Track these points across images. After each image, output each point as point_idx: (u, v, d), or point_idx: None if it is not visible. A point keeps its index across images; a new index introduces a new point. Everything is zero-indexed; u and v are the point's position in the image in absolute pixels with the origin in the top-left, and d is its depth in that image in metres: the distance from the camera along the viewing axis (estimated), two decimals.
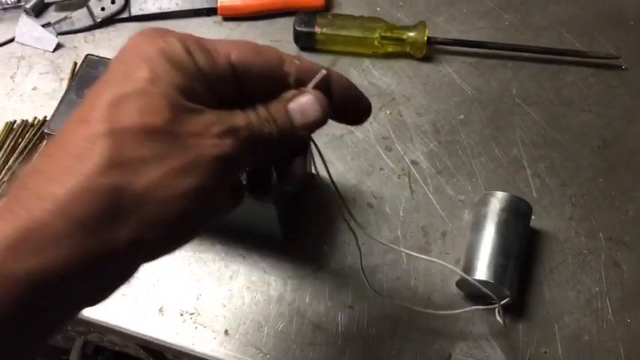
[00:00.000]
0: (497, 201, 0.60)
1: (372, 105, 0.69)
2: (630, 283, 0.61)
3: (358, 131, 0.71)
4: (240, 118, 0.32)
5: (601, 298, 0.61)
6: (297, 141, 0.36)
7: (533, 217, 0.64)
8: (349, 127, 0.71)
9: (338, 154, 0.69)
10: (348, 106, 0.39)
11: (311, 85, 0.36)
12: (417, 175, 0.68)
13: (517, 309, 0.60)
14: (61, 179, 0.27)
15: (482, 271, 0.57)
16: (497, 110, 0.72)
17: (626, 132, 0.70)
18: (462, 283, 0.60)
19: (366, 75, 0.75)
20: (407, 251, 0.54)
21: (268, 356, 0.59)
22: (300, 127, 0.35)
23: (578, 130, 0.70)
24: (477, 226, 0.60)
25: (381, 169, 0.68)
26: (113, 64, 0.31)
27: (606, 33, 0.76)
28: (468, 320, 0.59)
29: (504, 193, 0.60)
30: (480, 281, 0.57)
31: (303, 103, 0.35)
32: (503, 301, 0.57)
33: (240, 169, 0.34)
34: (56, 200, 0.27)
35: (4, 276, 0.26)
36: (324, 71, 0.36)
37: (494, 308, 0.57)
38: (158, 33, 0.31)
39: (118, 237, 0.28)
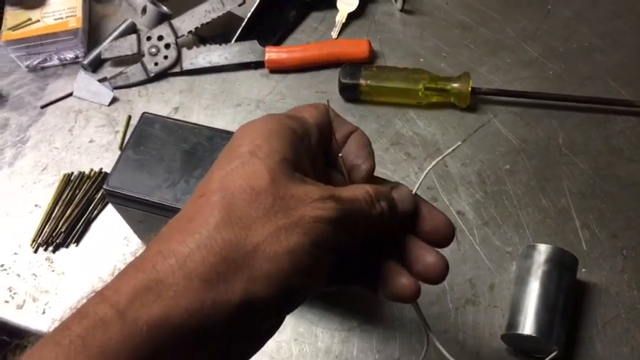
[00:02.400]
0: (539, 254, 0.60)
1: (417, 155, 0.69)
2: None
3: (403, 181, 0.71)
4: (345, 191, 0.34)
5: None
6: (395, 222, 0.37)
7: (583, 269, 0.64)
8: (394, 177, 0.72)
9: None
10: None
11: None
12: (463, 226, 0.68)
13: None
14: (181, 239, 0.30)
15: (525, 325, 0.57)
16: (543, 160, 0.72)
17: None
18: (508, 338, 0.59)
19: (410, 125, 0.76)
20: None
21: None
22: (401, 213, 0.37)
23: (627, 180, 0.69)
24: (521, 280, 0.60)
25: None
26: (222, 152, 0.35)
27: None
28: None
29: (547, 245, 0.60)
30: (524, 336, 0.56)
31: (403, 193, 0.38)
32: (550, 356, 0.56)
33: (341, 244, 0.34)
34: (177, 256, 0.30)
35: (129, 321, 0.28)
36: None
37: None
38: (255, 119, 0.35)
39: (232, 289, 0.30)
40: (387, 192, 0.37)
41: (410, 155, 0.73)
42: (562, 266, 0.59)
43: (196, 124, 0.60)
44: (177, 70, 0.81)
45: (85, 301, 0.30)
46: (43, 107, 0.80)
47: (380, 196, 0.36)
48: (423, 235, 0.38)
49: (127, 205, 0.58)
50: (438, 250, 0.38)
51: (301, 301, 0.33)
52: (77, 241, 0.69)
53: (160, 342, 0.28)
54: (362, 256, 0.37)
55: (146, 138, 0.59)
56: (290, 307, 0.33)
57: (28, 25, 0.83)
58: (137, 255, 0.31)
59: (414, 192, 0.39)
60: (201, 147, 0.58)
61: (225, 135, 0.59)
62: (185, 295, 0.29)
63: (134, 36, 0.82)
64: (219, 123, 0.76)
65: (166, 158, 0.58)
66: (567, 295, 0.59)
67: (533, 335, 0.56)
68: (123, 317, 0.28)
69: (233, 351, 0.32)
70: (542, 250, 0.60)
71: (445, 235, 0.38)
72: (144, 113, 0.61)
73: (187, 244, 0.30)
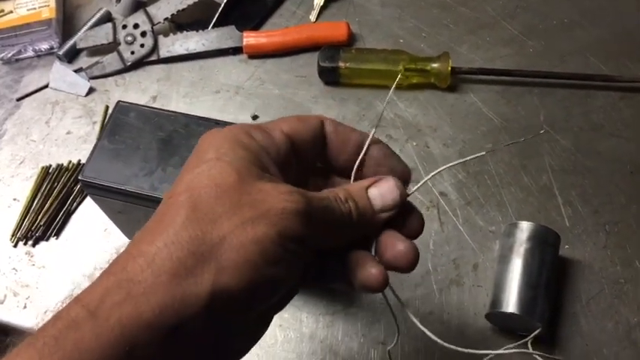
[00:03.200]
0: (522, 232, 0.60)
1: (399, 137, 0.69)
2: None
3: None
4: (313, 192, 0.34)
5: None
6: (374, 226, 0.37)
7: (566, 246, 0.64)
8: None
9: None
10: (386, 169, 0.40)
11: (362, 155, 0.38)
12: (445, 207, 0.68)
13: (553, 342, 0.59)
14: (150, 239, 0.31)
15: (509, 303, 0.56)
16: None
17: None
18: (492, 317, 0.59)
19: (391, 107, 0.75)
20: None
21: None
22: (379, 210, 0.36)
23: (608, 155, 0.69)
24: (504, 258, 0.60)
25: None
26: (188, 159, 0.35)
27: (633, 56, 0.75)
28: (503, 354, 0.58)
29: (529, 223, 0.60)
30: (507, 314, 0.56)
31: (384, 188, 0.37)
32: (533, 333, 0.56)
33: (311, 239, 0.34)
34: (145, 255, 0.30)
35: (100, 320, 0.29)
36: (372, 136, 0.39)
37: (527, 342, 0.56)
38: (220, 129, 0.36)
39: (200, 281, 0.30)
40: (359, 192, 0.36)
41: (391, 137, 0.73)
42: (544, 243, 0.59)
43: (172, 112, 0.59)
44: (154, 58, 0.80)
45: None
46: (18, 100, 0.79)
47: (349, 196, 0.35)
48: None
49: (104, 195, 0.57)
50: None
51: (274, 294, 0.33)
52: (57, 234, 0.68)
53: (133, 339, 0.29)
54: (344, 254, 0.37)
55: (121, 127, 0.58)
56: (263, 300, 0.33)
57: (1, 16, 0.81)
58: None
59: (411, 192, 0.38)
60: (177, 134, 0.58)
61: (202, 122, 0.58)
62: (154, 292, 0.29)
63: (109, 25, 0.80)
64: (199, 111, 0.75)
65: (142, 147, 0.57)
66: (550, 272, 0.59)
67: (516, 313, 0.56)
68: (94, 316, 0.29)
69: (212, 347, 0.32)
70: (525, 228, 0.60)
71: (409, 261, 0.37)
72: (118, 102, 0.60)
73: (155, 243, 0.30)
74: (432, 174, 0.41)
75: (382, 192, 0.36)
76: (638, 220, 0.65)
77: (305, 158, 0.38)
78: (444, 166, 0.42)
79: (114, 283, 0.30)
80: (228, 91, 0.78)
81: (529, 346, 0.56)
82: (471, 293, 0.62)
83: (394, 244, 0.36)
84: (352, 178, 0.38)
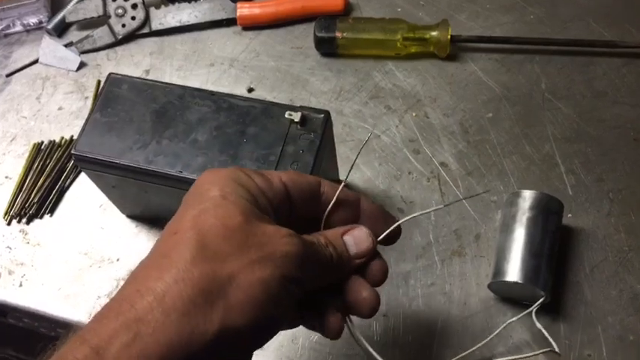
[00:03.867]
0: (524, 200, 0.59)
1: (398, 108, 0.68)
2: None
3: (385, 135, 0.70)
4: (303, 236, 0.37)
5: None
6: (349, 270, 0.40)
7: (569, 215, 0.63)
8: (375, 131, 0.70)
9: (365, 160, 0.68)
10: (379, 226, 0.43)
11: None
12: (446, 177, 0.66)
13: (557, 310, 0.58)
14: (158, 275, 0.31)
15: (512, 273, 0.56)
16: (526, 106, 0.70)
17: None
18: (495, 286, 0.58)
19: (390, 77, 0.73)
20: None
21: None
22: (353, 257, 0.40)
23: (612, 122, 0.68)
24: (506, 228, 0.59)
25: (409, 173, 0.67)
26: (189, 195, 0.37)
27: (636, 21, 0.74)
28: (507, 324, 0.58)
29: (531, 191, 0.59)
30: (510, 283, 0.55)
31: (357, 235, 0.40)
32: (537, 302, 0.55)
33: (305, 280, 0.36)
34: (155, 293, 0.30)
35: None
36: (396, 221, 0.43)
37: (531, 311, 0.55)
38: (219, 168, 0.38)
39: (210, 319, 0.31)
40: (336, 238, 0.40)
41: (390, 108, 0.71)
42: (547, 211, 0.58)
43: (166, 83, 0.58)
44: (145, 31, 0.78)
45: (64, 345, 0.31)
46: (8, 76, 0.77)
47: (329, 241, 0.39)
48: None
49: (98, 169, 0.56)
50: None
51: (274, 332, 0.35)
52: (51, 212, 0.67)
53: None
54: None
55: (114, 99, 0.57)
56: (266, 337, 0.35)
57: None
58: (113, 296, 0.32)
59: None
60: (171, 106, 0.56)
61: (197, 93, 0.57)
62: (164, 331, 0.30)
63: None
64: (193, 84, 0.73)
65: (136, 119, 0.56)
66: (554, 241, 0.58)
67: (520, 282, 0.55)
68: (102, 358, 0.29)
69: None
70: (527, 197, 0.59)
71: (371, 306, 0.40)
72: (110, 74, 0.58)
73: (165, 279, 0.31)
74: (405, 219, 0.43)
75: (356, 239, 0.40)
76: None
77: (298, 209, 0.39)
78: (413, 215, 0.45)
79: (122, 324, 0.30)
80: (223, 63, 0.76)
81: (533, 315, 0.55)
82: (473, 264, 0.62)
83: (359, 291, 0.40)
84: (322, 224, 0.41)
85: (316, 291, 0.39)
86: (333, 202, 0.41)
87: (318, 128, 0.55)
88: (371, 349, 0.43)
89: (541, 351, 0.55)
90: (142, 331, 0.29)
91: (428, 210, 0.46)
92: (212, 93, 0.57)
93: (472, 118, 0.70)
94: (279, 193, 0.38)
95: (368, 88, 0.73)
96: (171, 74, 0.75)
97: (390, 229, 0.43)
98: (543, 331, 0.54)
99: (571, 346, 0.57)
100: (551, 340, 0.54)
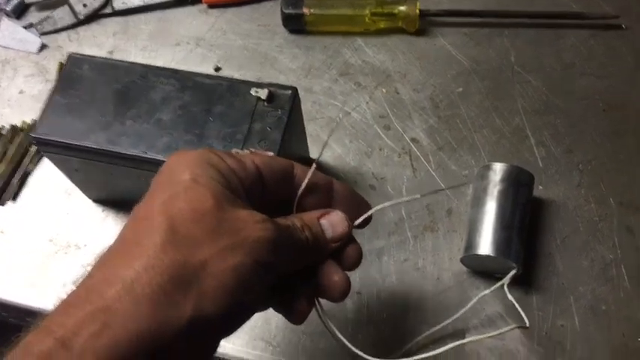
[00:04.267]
0: (495, 173, 0.58)
1: (368, 84, 0.67)
2: None
3: (355, 112, 0.69)
4: (278, 220, 0.36)
5: (616, 265, 0.59)
6: (325, 254, 0.40)
7: (540, 187, 0.63)
8: (345, 108, 0.69)
9: (335, 137, 0.67)
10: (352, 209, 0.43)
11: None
12: (417, 153, 0.66)
13: (529, 282, 0.59)
14: (128, 263, 0.30)
15: (483, 246, 0.55)
16: (496, 80, 0.70)
17: (630, 93, 0.68)
18: (467, 260, 0.58)
19: (359, 54, 0.72)
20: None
21: (278, 349, 0.57)
22: (330, 240, 0.40)
23: (580, 94, 0.68)
24: (477, 201, 0.58)
25: (380, 150, 0.66)
26: (158, 178, 0.35)
27: None
28: (480, 297, 0.58)
29: (501, 163, 0.58)
30: (482, 256, 0.55)
31: (333, 219, 0.40)
32: (509, 275, 0.55)
33: (278, 265, 0.36)
34: (124, 281, 0.29)
35: (76, 354, 0.28)
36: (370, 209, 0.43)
37: (502, 284, 0.55)
38: (189, 150, 0.36)
39: (182, 307, 0.30)
40: (312, 221, 0.39)
41: (360, 85, 0.70)
42: (518, 184, 0.58)
43: (128, 62, 0.56)
44: (108, 10, 0.76)
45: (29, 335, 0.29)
46: None
47: (305, 224, 0.38)
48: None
49: (60, 152, 0.54)
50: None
51: (246, 319, 0.35)
52: (14, 198, 0.65)
53: None
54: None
55: (75, 80, 0.55)
56: (237, 324, 0.35)
57: None
58: (79, 283, 0.31)
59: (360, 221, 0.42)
60: (134, 86, 0.55)
61: (160, 72, 0.55)
62: (133, 321, 0.29)
63: None
64: (159, 64, 0.71)
65: (98, 100, 0.54)
66: (524, 213, 0.58)
67: (491, 255, 0.55)
68: (69, 350, 0.28)
69: None
70: (498, 169, 0.58)
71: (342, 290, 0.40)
72: (71, 54, 0.56)
73: (134, 267, 0.30)
74: (376, 208, 0.43)
75: (332, 223, 0.40)
76: (612, 157, 0.64)
77: (270, 193, 0.39)
78: (385, 204, 0.44)
79: (89, 313, 0.29)
80: (189, 43, 0.74)
81: (505, 288, 0.55)
82: (445, 238, 0.61)
83: (331, 275, 0.40)
84: (294, 208, 0.41)
85: (289, 275, 0.39)
86: (304, 184, 0.40)
87: (285, 105, 0.54)
88: (338, 334, 0.43)
89: (510, 327, 0.55)
90: (110, 320, 0.28)
91: (403, 199, 0.45)
92: (176, 71, 0.55)
93: (442, 92, 0.69)
94: (251, 175, 0.37)
95: (337, 65, 0.72)
96: (136, 55, 0.74)
97: (366, 215, 0.43)
98: (515, 303, 0.54)
99: (544, 317, 0.57)
100: (522, 313, 0.54)
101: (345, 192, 0.43)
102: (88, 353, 0.28)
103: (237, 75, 0.71)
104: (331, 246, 0.40)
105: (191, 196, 0.33)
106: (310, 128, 0.68)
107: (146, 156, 0.52)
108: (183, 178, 0.34)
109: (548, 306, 0.58)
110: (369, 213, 0.43)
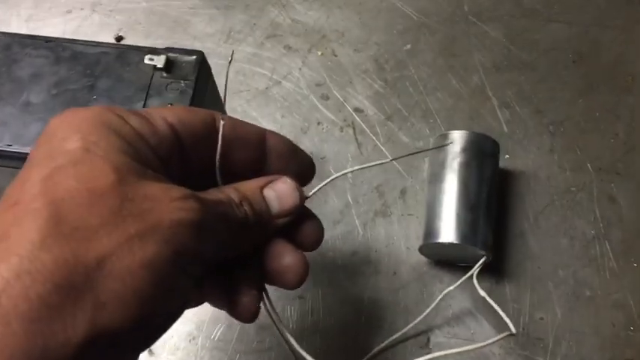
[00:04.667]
0: (453, 143, 0.49)
1: (300, 47, 0.57)
2: (630, 219, 0.51)
3: (286, 81, 0.58)
4: (206, 194, 0.28)
5: (599, 242, 0.50)
6: (269, 233, 0.32)
7: (506, 156, 0.54)
8: (274, 77, 0.58)
9: (265, 112, 0.57)
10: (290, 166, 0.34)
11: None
12: (363, 125, 0.56)
13: (500, 269, 0.50)
14: None
15: (445, 232, 0.46)
16: (449, 34, 0.60)
17: (602, 40, 0.59)
18: (427, 249, 0.48)
19: (288, 11, 0.61)
20: None
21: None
22: (276, 215, 0.32)
23: (547, 44, 0.59)
24: (435, 178, 0.49)
25: (318, 124, 0.56)
26: (35, 148, 0.26)
27: None
28: (445, 294, 0.48)
29: (460, 131, 0.49)
30: (445, 245, 0.46)
31: (281, 189, 0.32)
32: (477, 264, 0.46)
33: (207, 253, 0.27)
34: None
35: None
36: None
37: (471, 275, 0.46)
38: (79, 108, 0.27)
39: (72, 325, 0.22)
40: (253, 193, 0.31)
41: (290, 48, 0.59)
42: (481, 154, 0.48)
43: None
44: None
45: None
46: None
47: (244, 197, 0.30)
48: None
49: None
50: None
51: (168, 326, 0.27)
52: None
53: None
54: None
55: None
56: (156, 334, 0.26)
57: None
58: None
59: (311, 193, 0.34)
60: None
61: (28, 40, 0.44)
62: (2, 349, 0.21)
63: None
64: None
65: None
66: (491, 188, 0.48)
67: (455, 242, 0.45)
68: None
69: None
70: (456, 138, 0.49)
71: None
72: None
73: (1, 273, 0.21)
74: (332, 178, 0.36)
75: (279, 194, 0.32)
76: (587, 115, 0.55)
77: (190, 156, 0.30)
78: (343, 172, 0.37)
79: None
80: (83, 9, 0.62)
81: (474, 280, 0.46)
82: (400, 224, 0.52)
83: (281, 256, 0.32)
84: (218, 175, 0.31)
85: (225, 261, 0.31)
86: (220, 143, 0.30)
87: (189, 74, 0.43)
88: (289, 336, 0.34)
89: (496, 338, 0.44)
90: None
91: (371, 164, 0.37)
92: (48, 39, 0.44)
93: (388, 52, 0.59)
94: (165, 139, 0.28)
95: (263, 26, 0.61)
96: (20, 26, 0.61)
97: (320, 186, 0.35)
98: (488, 299, 0.45)
99: (520, 310, 0.48)
100: (505, 317, 0.44)
101: (284, 147, 0.33)
102: None
103: (143, 44, 0.59)
104: (277, 222, 0.32)
105: (83, 170, 0.24)
106: (234, 103, 0.57)
107: (11, 150, 0.41)
108: (71, 146, 0.25)
109: (523, 296, 0.49)
110: (329, 180, 0.35)
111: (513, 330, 0.40)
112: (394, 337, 0.46)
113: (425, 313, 0.46)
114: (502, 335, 0.39)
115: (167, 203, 0.25)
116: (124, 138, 0.26)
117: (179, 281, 0.26)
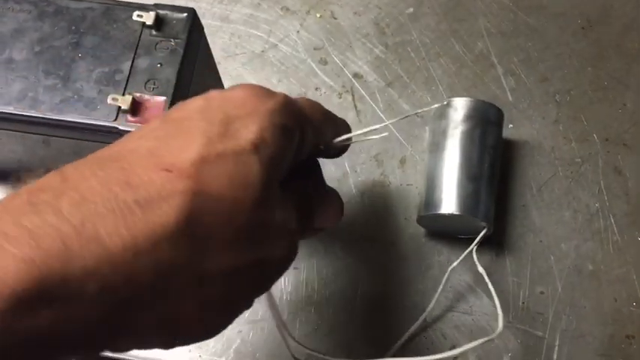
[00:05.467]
0: (455, 111, 0.47)
1: (298, 8, 0.54)
2: (636, 192, 0.50)
3: (283, 44, 0.56)
4: (295, 195, 0.27)
5: (603, 215, 0.49)
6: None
7: (510, 125, 0.52)
8: (271, 40, 0.56)
9: (260, 76, 0.54)
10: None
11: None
12: (362, 91, 0.54)
13: (501, 242, 0.48)
14: (115, 227, 0.20)
15: (446, 203, 0.44)
16: None
17: (613, 5, 0.56)
18: (426, 220, 0.47)
19: None
20: None
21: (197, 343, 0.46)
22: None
23: (555, 9, 0.56)
24: (436, 147, 0.47)
25: (316, 89, 0.54)
26: (212, 108, 0.25)
27: None
28: (443, 266, 0.47)
29: (463, 99, 0.47)
30: (445, 215, 0.44)
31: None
32: (478, 237, 0.44)
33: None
34: (105, 250, 0.20)
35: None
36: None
37: (471, 250, 0.44)
38: (266, 91, 0.26)
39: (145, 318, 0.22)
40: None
41: (288, 9, 0.57)
42: (484, 122, 0.46)
43: None
44: None
45: None
46: None
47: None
48: None
49: None
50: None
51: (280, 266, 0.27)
52: None
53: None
54: None
55: None
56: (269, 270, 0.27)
57: None
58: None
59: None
60: None
61: None
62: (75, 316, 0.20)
63: None
64: None
65: None
66: (494, 158, 0.46)
67: (456, 213, 0.44)
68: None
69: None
70: (459, 106, 0.47)
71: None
72: None
73: (124, 237, 0.20)
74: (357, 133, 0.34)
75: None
76: (595, 84, 0.53)
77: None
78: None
79: (32, 283, 0.19)
80: None
81: (474, 255, 0.44)
82: (399, 194, 0.50)
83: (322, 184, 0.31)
84: None
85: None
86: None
87: (180, 32, 0.41)
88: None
89: (475, 343, 0.42)
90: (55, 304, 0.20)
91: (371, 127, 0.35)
92: None
93: (389, 15, 0.57)
94: (309, 145, 0.29)
95: None
96: None
97: (347, 136, 0.33)
98: (487, 279, 0.43)
99: (520, 283, 0.47)
100: (497, 302, 0.43)
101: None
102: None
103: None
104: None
105: (240, 172, 0.23)
106: (229, 66, 0.55)
107: None
108: (244, 136, 0.24)
109: (524, 270, 0.47)
110: (351, 135, 0.33)
111: (500, 326, 0.39)
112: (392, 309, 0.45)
113: (433, 302, 0.45)
114: (482, 341, 0.38)
115: (279, 240, 0.25)
116: (288, 147, 0.25)
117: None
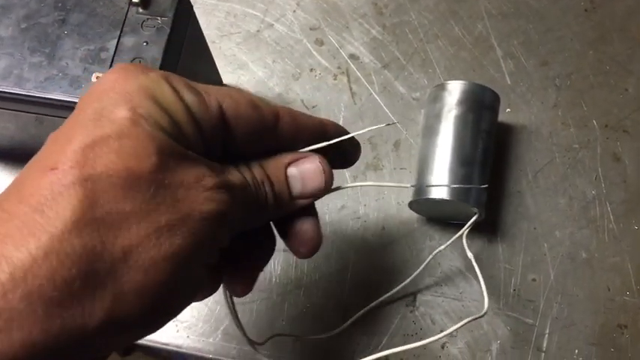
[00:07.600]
0: (450, 94, 0.46)
1: None
2: (635, 179, 0.49)
3: (279, 24, 0.55)
4: (234, 175, 0.28)
5: (600, 203, 0.48)
6: (288, 211, 0.31)
7: (507, 109, 0.51)
8: (266, 19, 0.55)
9: (255, 57, 0.54)
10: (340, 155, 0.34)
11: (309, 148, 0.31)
12: (358, 73, 0.53)
13: (494, 229, 0.47)
14: (21, 240, 0.21)
15: (436, 188, 0.44)
16: None
17: None
18: (417, 205, 0.46)
19: None
20: None
21: (186, 324, 0.46)
22: (296, 197, 0.31)
23: None
24: (430, 130, 0.46)
25: (311, 70, 0.53)
26: (84, 103, 0.25)
27: None
28: (434, 250, 0.46)
29: (458, 81, 0.46)
30: (435, 201, 0.44)
31: (306, 170, 0.30)
32: (468, 223, 0.44)
33: (225, 241, 0.27)
34: (13, 267, 0.21)
35: None
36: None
37: (461, 234, 0.44)
38: (139, 68, 0.26)
39: (90, 312, 0.22)
40: (277, 171, 0.30)
41: None
42: (480, 106, 0.46)
43: None
44: None
45: None
46: None
47: (266, 177, 0.29)
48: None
49: None
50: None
51: (178, 312, 0.26)
52: None
53: None
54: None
55: None
56: (166, 320, 0.26)
57: None
58: None
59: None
60: None
61: None
62: (22, 325, 0.21)
63: None
64: None
65: None
66: (488, 143, 0.46)
67: (447, 199, 0.43)
68: None
69: None
70: (454, 89, 0.46)
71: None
72: None
73: (28, 247, 0.21)
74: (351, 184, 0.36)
75: (304, 174, 0.30)
76: (596, 68, 0.52)
77: (238, 146, 0.29)
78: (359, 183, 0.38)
79: None
80: None
81: (464, 240, 0.43)
82: (392, 178, 0.50)
83: (300, 222, 0.31)
84: None
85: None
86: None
87: (167, 10, 0.40)
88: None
89: (461, 324, 0.42)
90: None
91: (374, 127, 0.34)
92: None
93: None
94: (213, 123, 0.27)
95: None
96: None
97: (350, 185, 0.35)
98: (474, 263, 0.42)
99: (512, 270, 0.46)
100: (484, 289, 0.43)
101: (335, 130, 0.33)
102: None
103: None
104: (297, 203, 0.31)
105: (126, 146, 0.23)
106: (224, 46, 0.54)
107: None
108: (119, 115, 0.24)
109: (517, 257, 0.47)
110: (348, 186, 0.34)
111: (486, 307, 0.38)
112: (381, 299, 0.45)
113: (413, 275, 0.44)
114: (466, 320, 0.37)
115: (200, 193, 0.25)
116: (173, 116, 0.25)
117: (196, 271, 0.26)
